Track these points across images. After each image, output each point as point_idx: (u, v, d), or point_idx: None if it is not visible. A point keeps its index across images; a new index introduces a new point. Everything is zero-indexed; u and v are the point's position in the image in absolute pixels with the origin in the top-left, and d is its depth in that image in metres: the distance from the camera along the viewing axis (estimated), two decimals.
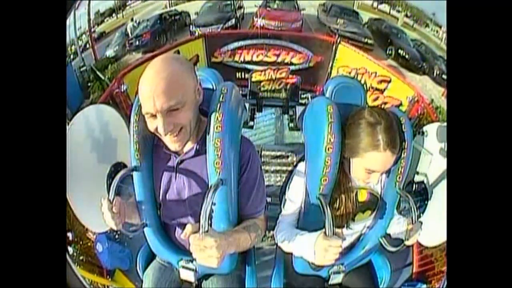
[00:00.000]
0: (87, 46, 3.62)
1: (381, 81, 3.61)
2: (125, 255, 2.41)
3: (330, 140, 1.08)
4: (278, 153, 3.03)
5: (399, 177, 1.18)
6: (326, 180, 1.11)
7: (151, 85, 0.90)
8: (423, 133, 1.57)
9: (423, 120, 3.25)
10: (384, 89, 3.62)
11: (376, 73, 3.60)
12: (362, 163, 1.08)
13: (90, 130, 1.65)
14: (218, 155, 1.00)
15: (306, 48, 3.87)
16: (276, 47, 3.87)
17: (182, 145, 1.01)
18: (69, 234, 2.44)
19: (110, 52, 3.87)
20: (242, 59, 3.89)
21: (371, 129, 1.05)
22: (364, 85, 3.59)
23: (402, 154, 1.13)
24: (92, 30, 3.68)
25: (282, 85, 1.91)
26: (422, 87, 3.72)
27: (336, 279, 1.27)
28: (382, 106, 3.51)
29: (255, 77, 1.90)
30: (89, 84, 3.39)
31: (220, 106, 1.01)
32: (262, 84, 1.91)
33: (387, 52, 4.05)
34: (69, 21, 3.18)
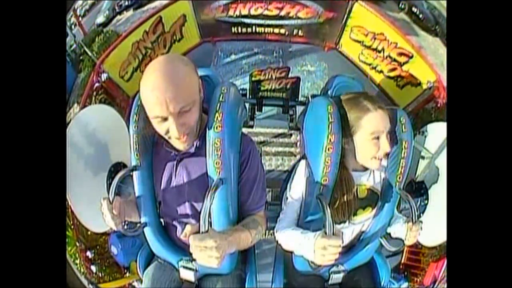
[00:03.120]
0: (75, 23, 3.54)
1: (401, 54, 3.33)
2: (137, 246, 2.35)
3: (330, 140, 1.08)
4: (280, 131, 2.75)
5: (399, 177, 1.18)
6: (326, 180, 1.11)
7: (162, 89, 0.89)
8: (423, 133, 1.57)
9: (436, 113, 3.03)
10: (404, 63, 3.35)
11: (396, 44, 3.31)
12: (364, 133, 1.09)
13: (89, 130, 1.65)
14: (218, 155, 1.00)
15: (316, 2, 3.45)
16: None
17: (190, 144, 1.03)
18: (89, 253, 2.45)
19: (100, 19, 3.72)
20: (237, 13, 3.51)
21: (353, 101, 1.13)
22: (382, 52, 3.40)
23: (402, 154, 1.13)
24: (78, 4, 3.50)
25: (282, 84, 1.91)
26: (434, 50, 3.54)
27: (336, 279, 1.26)
28: (398, 80, 3.36)
29: (255, 76, 1.90)
30: (81, 58, 3.29)
31: (220, 106, 1.02)
32: (262, 83, 1.90)
33: (400, 6, 3.79)
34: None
